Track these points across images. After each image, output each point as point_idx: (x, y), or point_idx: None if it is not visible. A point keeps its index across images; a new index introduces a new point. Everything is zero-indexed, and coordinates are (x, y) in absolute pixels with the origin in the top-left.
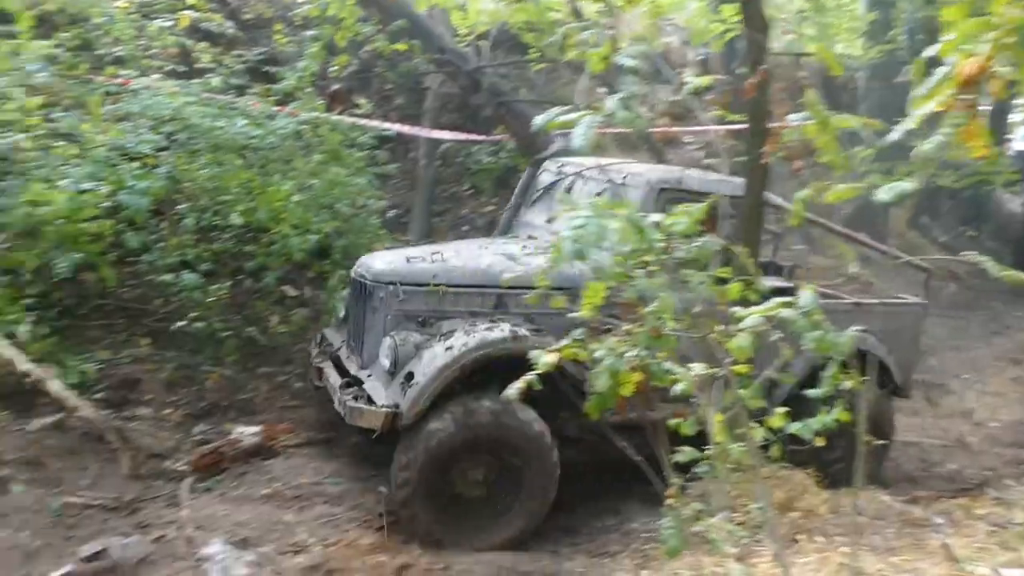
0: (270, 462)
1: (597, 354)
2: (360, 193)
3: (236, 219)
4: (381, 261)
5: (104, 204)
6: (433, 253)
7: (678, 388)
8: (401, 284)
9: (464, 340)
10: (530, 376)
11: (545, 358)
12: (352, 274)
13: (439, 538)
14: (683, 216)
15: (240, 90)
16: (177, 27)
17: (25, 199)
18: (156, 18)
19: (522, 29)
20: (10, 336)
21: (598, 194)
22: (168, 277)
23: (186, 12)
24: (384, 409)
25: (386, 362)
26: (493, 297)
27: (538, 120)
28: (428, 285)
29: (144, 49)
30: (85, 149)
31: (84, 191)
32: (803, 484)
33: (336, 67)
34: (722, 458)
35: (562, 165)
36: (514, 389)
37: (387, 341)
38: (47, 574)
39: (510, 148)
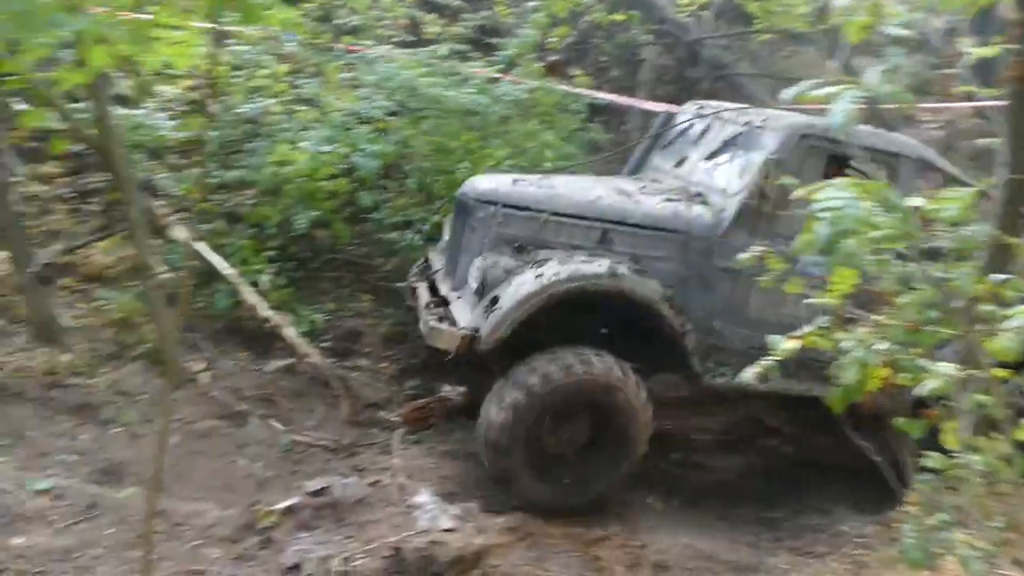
0: (474, 422)
1: (844, 344)
2: (569, 158)
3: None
4: (486, 181)
5: (339, 165)
6: (542, 179)
7: (928, 387)
8: (503, 206)
9: (556, 269)
10: (769, 361)
11: (786, 344)
12: (458, 193)
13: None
14: (952, 201)
15: (463, 57)
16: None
17: (272, 159)
18: None
19: None
20: (253, 284)
21: (733, 138)
22: (392, 236)
23: None
24: (462, 332)
25: (474, 284)
26: (598, 231)
27: (787, 93)
28: (530, 210)
29: (377, 20)
30: (324, 114)
31: (322, 152)
32: None
33: (555, 38)
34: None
35: (701, 107)
36: (750, 373)
37: (476, 262)
38: (276, 503)
39: None
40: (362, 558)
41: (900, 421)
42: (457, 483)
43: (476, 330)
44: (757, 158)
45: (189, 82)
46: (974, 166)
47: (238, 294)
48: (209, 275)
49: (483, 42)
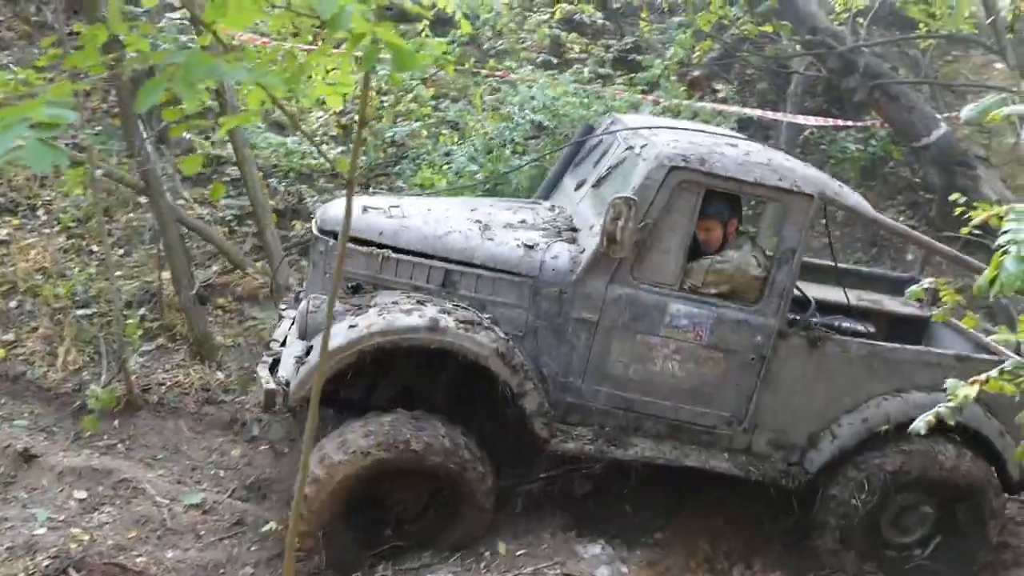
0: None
1: None
2: None
3: None
4: (337, 207)
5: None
6: (392, 206)
7: None
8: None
9: (371, 321)
10: (941, 409)
11: (963, 390)
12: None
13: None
14: None
15: (607, 79)
16: (552, 20)
17: (416, 182)
18: (535, 12)
19: (907, 2)
20: None
21: (618, 164)
22: None
23: (561, 4)
24: (268, 386)
25: (297, 330)
26: (441, 272)
27: (968, 111)
28: (371, 244)
29: (521, 42)
30: (467, 137)
31: (462, 174)
32: None
33: (699, 53)
34: None
35: (612, 122)
36: (921, 423)
37: (301, 305)
38: None
39: (881, 136)
40: None
41: None
42: None
43: (287, 384)
44: (626, 190)
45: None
46: None
47: None
48: None
49: (628, 59)
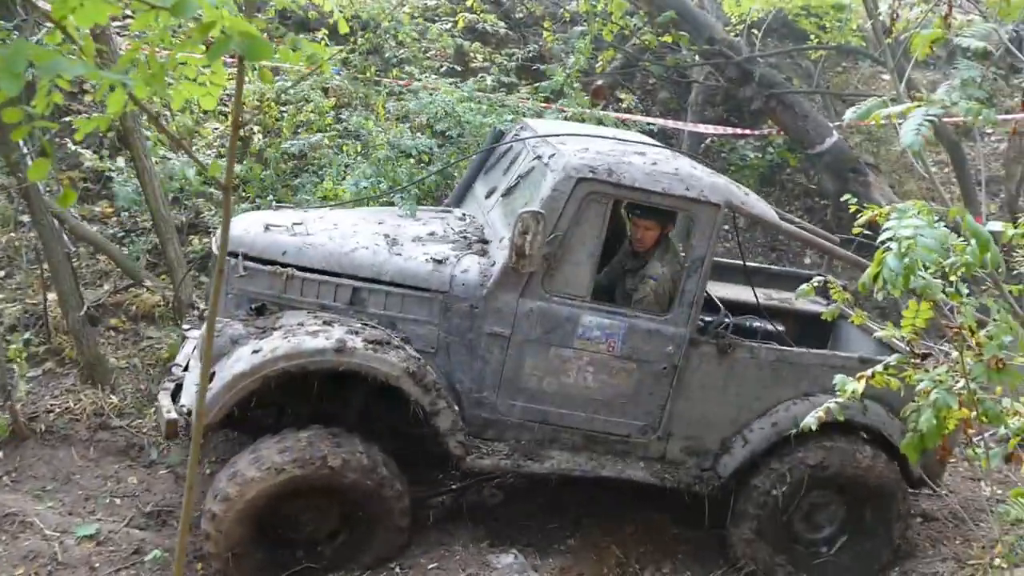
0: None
1: (920, 385)
2: None
3: None
4: (240, 224)
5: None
6: (296, 223)
7: (1015, 426)
8: (244, 257)
9: (276, 344)
10: (831, 405)
11: (851, 385)
12: None
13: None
14: None
15: (510, 88)
16: (455, 28)
17: (318, 195)
18: (437, 21)
19: (798, 15)
20: None
21: (527, 172)
22: None
23: (463, 14)
24: (169, 415)
25: (198, 353)
26: (348, 289)
27: (849, 113)
28: (275, 263)
29: (424, 51)
30: (369, 147)
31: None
32: None
33: (601, 62)
34: None
35: (521, 127)
36: (812, 419)
37: (203, 328)
38: None
39: (778, 143)
40: None
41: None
42: None
43: (189, 413)
44: (533, 202)
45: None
46: None
47: None
48: None
49: (532, 68)
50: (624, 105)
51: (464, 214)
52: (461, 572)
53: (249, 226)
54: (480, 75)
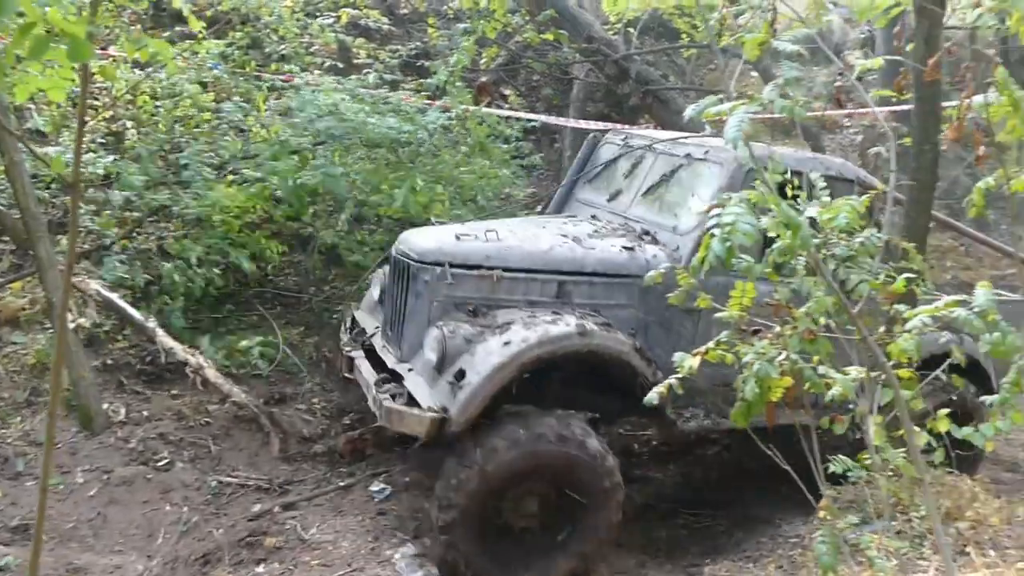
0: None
1: (746, 358)
2: (504, 184)
3: (393, 208)
4: (427, 238)
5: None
6: (487, 231)
7: (833, 392)
8: (450, 265)
9: (524, 334)
10: (672, 380)
11: (688, 361)
12: (393, 251)
13: (481, 572)
14: (843, 210)
15: (394, 85)
16: (338, 24)
17: (204, 192)
18: (319, 16)
19: (672, 15)
20: (164, 325)
21: (673, 171)
22: (320, 266)
23: (346, 9)
24: (430, 414)
25: (432, 356)
26: (554, 284)
27: (690, 111)
28: (481, 268)
29: (306, 46)
30: (251, 143)
31: (248, 183)
32: (972, 492)
33: (485, 59)
34: (881, 465)
35: (626, 138)
36: (654, 393)
37: (434, 332)
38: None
39: None
40: None
41: (823, 420)
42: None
43: (445, 410)
44: (705, 192)
45: (108, 113)
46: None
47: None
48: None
49: (416, 65)
50: (508, 102)
51: (592, 216)
52: (347, 568)
53: (441, 238)
54: (364, 71)
